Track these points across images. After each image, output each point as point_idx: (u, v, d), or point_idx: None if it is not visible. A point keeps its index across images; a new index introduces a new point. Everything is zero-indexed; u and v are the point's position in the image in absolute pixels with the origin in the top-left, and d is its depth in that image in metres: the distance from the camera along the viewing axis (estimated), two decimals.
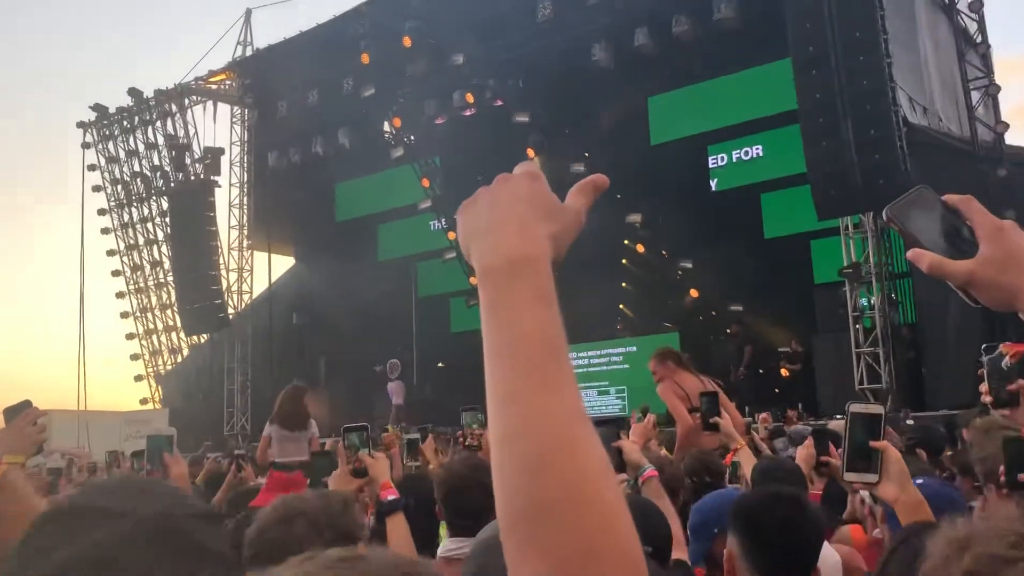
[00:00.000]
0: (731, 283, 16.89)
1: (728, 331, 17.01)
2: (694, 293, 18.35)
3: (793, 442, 5.56)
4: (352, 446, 3.23)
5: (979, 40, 13.92)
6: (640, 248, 18.99)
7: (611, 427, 3.24)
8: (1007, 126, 12.91)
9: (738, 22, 14.22)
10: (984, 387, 2.29)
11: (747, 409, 13.00)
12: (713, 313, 18.25)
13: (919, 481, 2.42)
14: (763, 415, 7.50)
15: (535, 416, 0.78)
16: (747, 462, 3.89)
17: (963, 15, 14.51)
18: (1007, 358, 2.31)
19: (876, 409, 2.30)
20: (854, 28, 11.70)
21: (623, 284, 19.50)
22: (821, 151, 11.88)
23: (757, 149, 16.54)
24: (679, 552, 2.80)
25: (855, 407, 2.30)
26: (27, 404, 2.65)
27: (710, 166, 17.11)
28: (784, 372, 16.19)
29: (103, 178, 21.38)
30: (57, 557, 1.00)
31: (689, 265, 18.25)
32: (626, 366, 16.66)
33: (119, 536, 1.02)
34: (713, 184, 17.05)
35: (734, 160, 16.89)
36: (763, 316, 16.61)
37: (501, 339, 0.82)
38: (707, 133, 16.60)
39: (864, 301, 13.10)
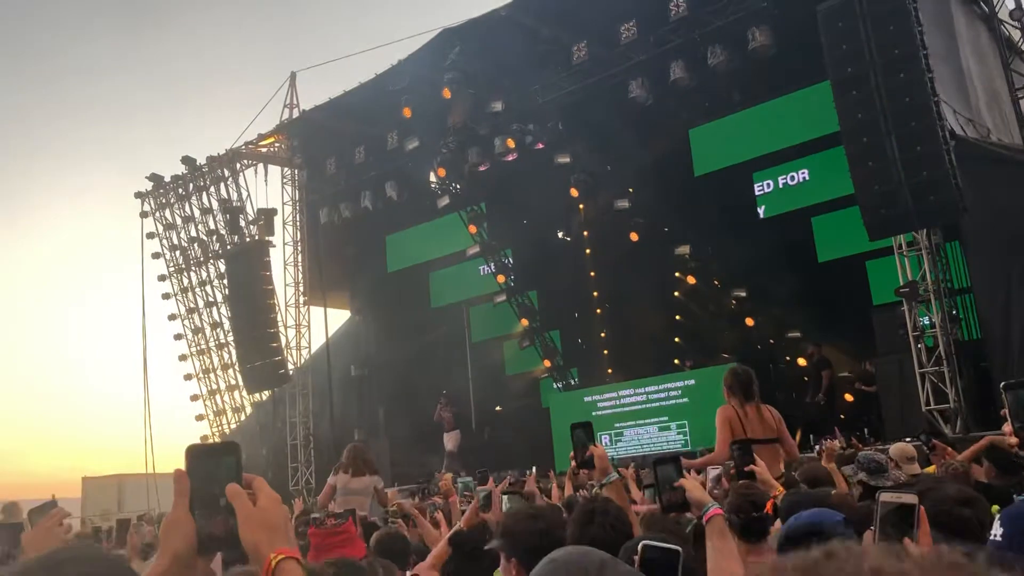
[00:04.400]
0: (787, 309, 16.68)
1: (806, 356, 16.67)
2: (750, 322, 18.14)
3: (862, 467, 5.40)
4: None
5: None
6: (691, 280, 18.87)
7: (673, 465, 3.01)
8: None
9: (773, 48, 14.21)
10: (1008, 427, 2.18)
11: (811, 437, 12.78)
12: (771, 341, 18.00)
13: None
14: (829, 444, 7.30)
15: None
16: None
17: (1005, 24, 14.30)
18: None
19: (910, 499, 1.95)
20: (892, 46, 11.58)
21: (677, 317, 19.38)
22: (867, 171, 11.71)
23: (803, 173, 16.40)
24: None
25: (886, 496, 1.99)
26: (53, 504, 2.54)
27: (756, 193, 17.00)
28: (849, 397, 15.85)
29: (161, 245, 22.06)
30: None
31: (743, 294, 18.09)
32: (685, 400, 16.46)
33: None
34: (761, 211, 16.91)
35: (780, 186, 16.76)
36: (822, 342, 16.32)
37: None
38: (751, 161, 16.50)
39: (924, 320, 12.79)
